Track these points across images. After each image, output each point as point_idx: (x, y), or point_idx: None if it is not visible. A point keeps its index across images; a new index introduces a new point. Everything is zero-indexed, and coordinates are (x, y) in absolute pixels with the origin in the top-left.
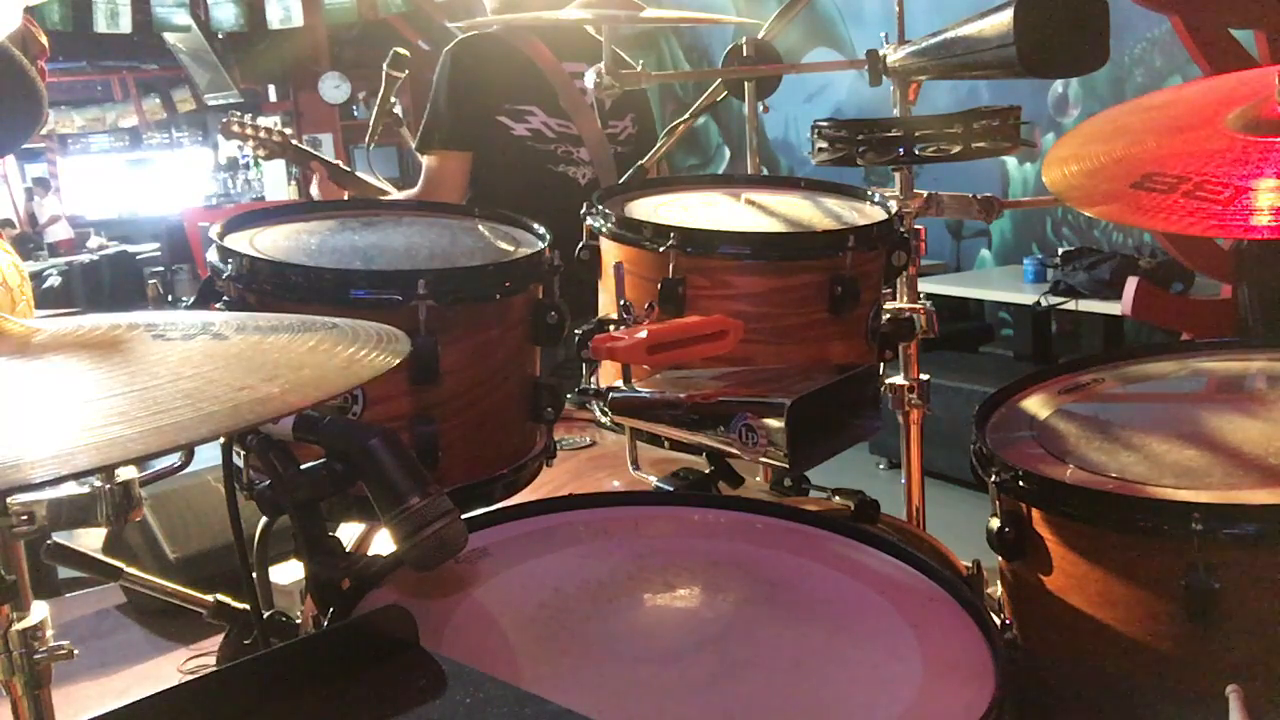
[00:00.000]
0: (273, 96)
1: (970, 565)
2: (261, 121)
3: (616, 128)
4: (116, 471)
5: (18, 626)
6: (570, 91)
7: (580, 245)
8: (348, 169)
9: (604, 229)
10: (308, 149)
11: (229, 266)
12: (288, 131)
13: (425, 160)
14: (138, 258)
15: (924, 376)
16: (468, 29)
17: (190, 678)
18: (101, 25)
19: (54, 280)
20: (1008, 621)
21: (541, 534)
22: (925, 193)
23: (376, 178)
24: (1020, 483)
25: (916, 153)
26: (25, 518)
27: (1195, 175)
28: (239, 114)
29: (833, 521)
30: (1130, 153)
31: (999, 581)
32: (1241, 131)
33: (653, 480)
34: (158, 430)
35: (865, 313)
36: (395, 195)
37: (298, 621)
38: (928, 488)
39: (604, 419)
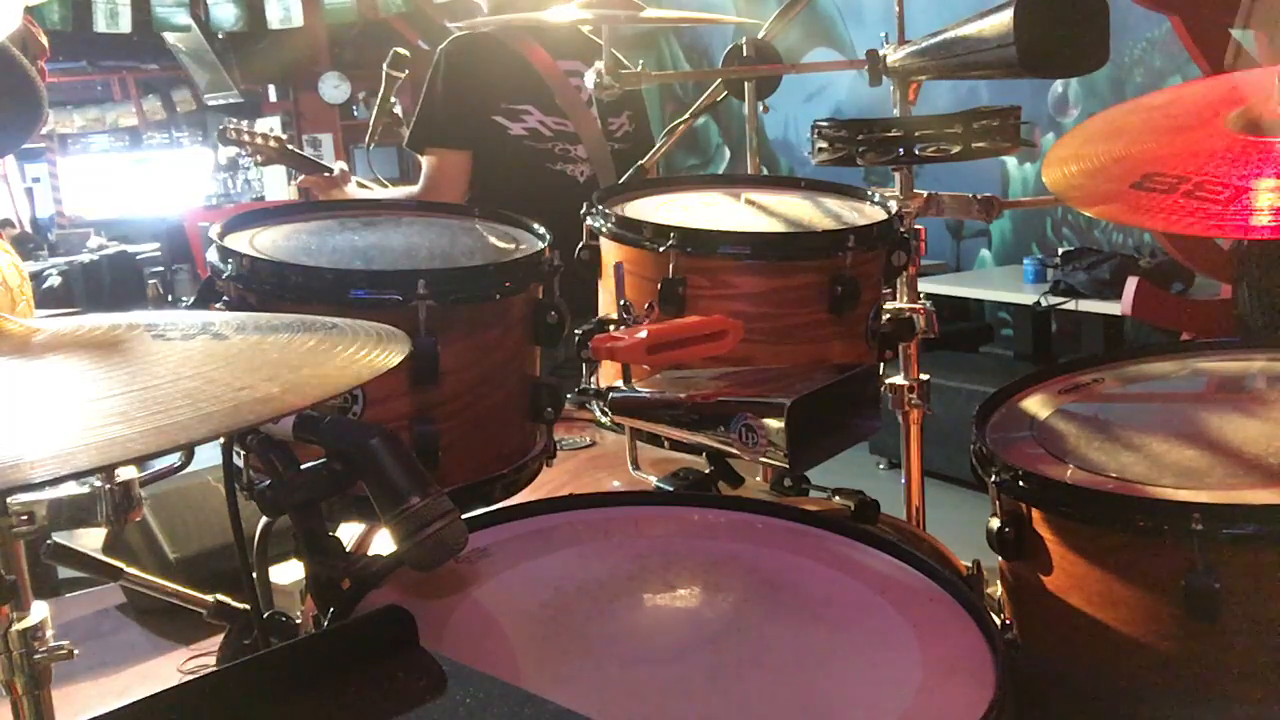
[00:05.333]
0: (273, 97)
1: (970, 565)
2: (260, 127)
3: (614, 125)
4: (116, 471)
5: (18, 626)
6: (566, 90)
7: (580, 245)
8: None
9: (604, 229)
10: (306, 155)
11: (229, 266)
12: (284, 137)
13: (425, 160)
14: (138, 258)
15: (924, 376)
16: (466, 29)
17: (190, 678)
18: (101, 25)
19: (54, 280)
20: (1008, 621)
21: (541, 534)
22: (925, 193)
23: (380, 181)
24: (1020, 483)
25: (916, 153)
26: (25, 518)
27: (1195, 175)
28: (236, 121)
29: (833, 521)
30: (1130, 153)
31: (999, 581)
32: (1241, 131)
33: (653, 480)
34: (158, 430)
35: (865, 313)
36: (393, 192)
37: (298, 621)
38: (928, 488)
39: (604, 419)
